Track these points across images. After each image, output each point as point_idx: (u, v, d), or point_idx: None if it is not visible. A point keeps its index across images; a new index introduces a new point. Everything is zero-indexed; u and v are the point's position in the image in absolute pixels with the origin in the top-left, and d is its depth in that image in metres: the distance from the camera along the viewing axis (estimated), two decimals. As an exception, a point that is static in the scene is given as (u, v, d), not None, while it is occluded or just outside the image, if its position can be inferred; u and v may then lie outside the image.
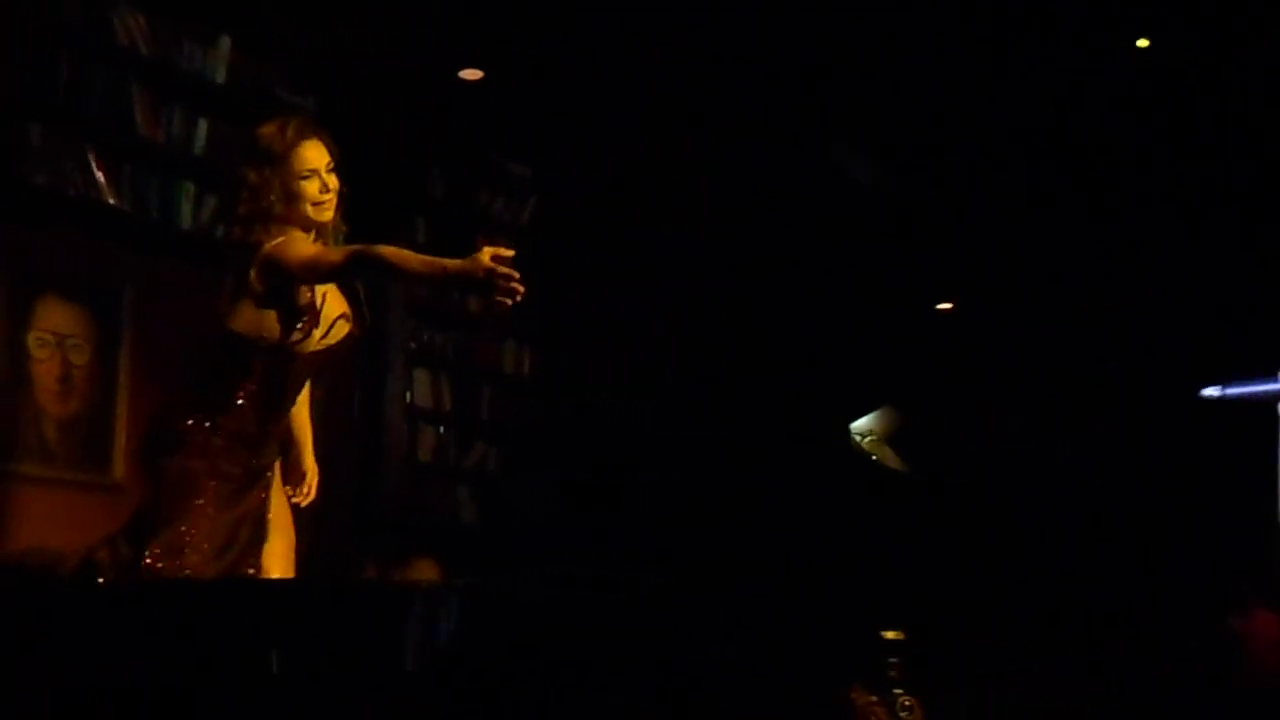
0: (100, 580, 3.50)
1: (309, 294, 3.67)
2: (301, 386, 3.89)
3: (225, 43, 5.60)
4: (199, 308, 4.75)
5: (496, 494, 6.85)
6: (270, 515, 3.77)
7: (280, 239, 3.61)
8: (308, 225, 3.70)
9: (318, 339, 3.70)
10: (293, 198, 3.67)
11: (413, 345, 6.57)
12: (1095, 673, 6.88)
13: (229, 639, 3.14)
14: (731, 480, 7.20)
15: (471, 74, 6.44)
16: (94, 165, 5.14)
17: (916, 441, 8.14)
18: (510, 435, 6.98)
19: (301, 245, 3.63)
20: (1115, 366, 7.60)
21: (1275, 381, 2.70)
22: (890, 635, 4.89)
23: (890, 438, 8.46)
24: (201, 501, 3.56)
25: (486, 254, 3.44)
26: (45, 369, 5.07)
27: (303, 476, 3.97)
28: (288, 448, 3.97)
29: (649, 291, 7.34)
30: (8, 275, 4.97)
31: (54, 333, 5.10)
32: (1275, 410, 2.71)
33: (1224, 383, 2.76)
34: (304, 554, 4.00)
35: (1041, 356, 7.51)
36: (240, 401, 3.66)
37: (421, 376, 6.60)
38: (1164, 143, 6.95)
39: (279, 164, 3.68)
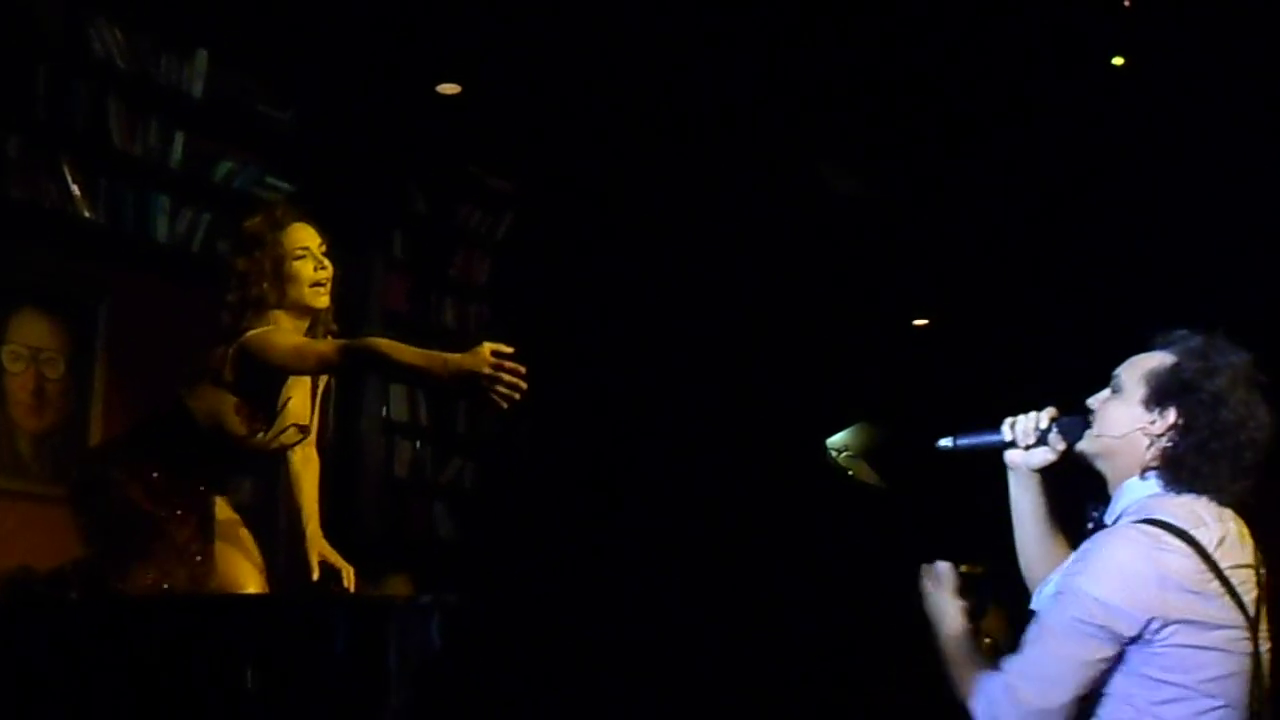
0: (73, 596, 3.49)
1: (282, 393, 3.64)
2: (243, 472, 3.86)
3: (202, 56, 5.58)
4: (174, 321, 4.74)
5: (473, 509, 6.83)
6: (218, 517, 3.75)
7: (264, 328, 3.54)
8: (303, 311, 3.65)
9: (267, 439, 3.67)
10: (286, 280, 3.61)
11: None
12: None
13: (204, 655, 3.13)
14: (713, 496, 7.21)
15: (449, 88, 6.43)
16: (70, 178, 5.12)
17: (893, 457, 8.17)
18: (487, 450, 6.97)
19: (286, 335, 3.56)
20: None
21: (998, 434, 2.77)
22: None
23: (867, 453, 8.49)
24: (149, 535, 3.54)
25: (487, 350, 3.33)
26: (19, 383, 5.05)
27: (335, 572, 3.83)
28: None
29: (628, 307, 7.34)
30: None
31: (28, 346, 5.08)
32: (1003, 460, 2.79)
33: (955, 434, 2.81)
34: (284, 570, 4.00)
35: (1022, 371, 7.52)
36: (177, 467, 3.62)
37: (398, 391, 6.58)
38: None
39: (269, 246, 3.63)
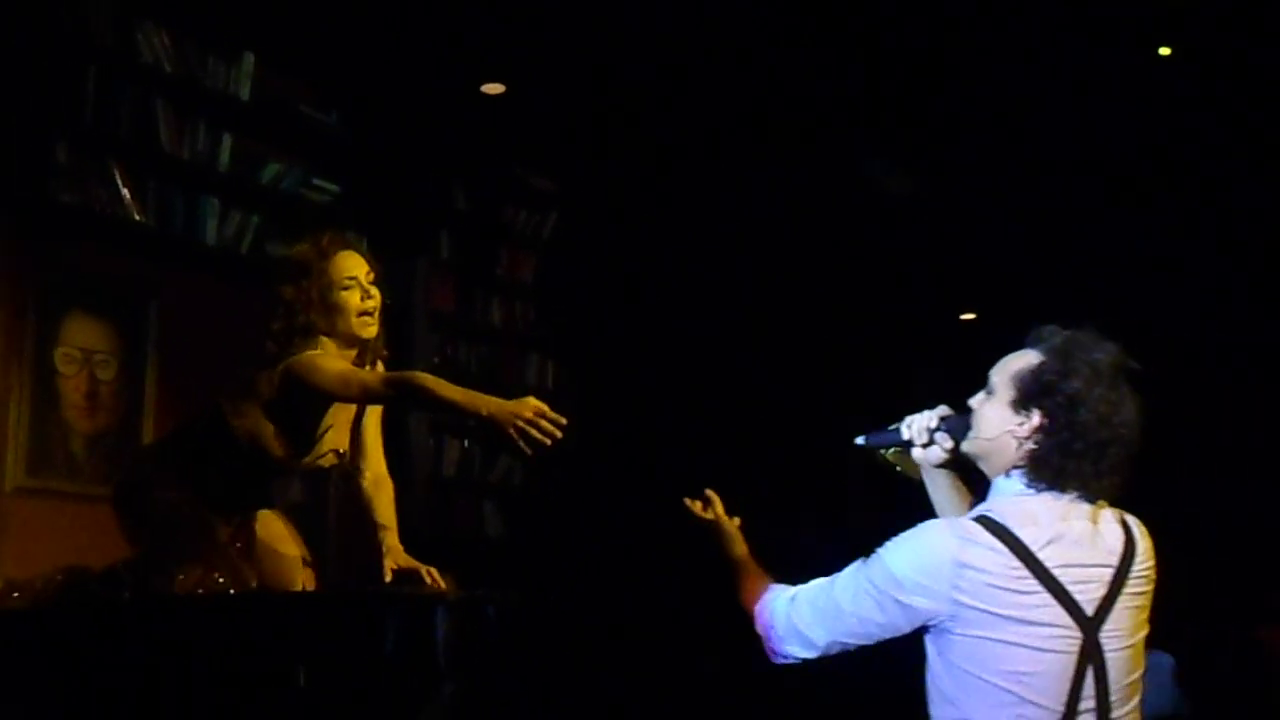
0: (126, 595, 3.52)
1: (324, 418, 3.63)
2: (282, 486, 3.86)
3: (249, 59, 5.62)
4: (224, 322, 4.78)
5: (522, 508, 6.85)
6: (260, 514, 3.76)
7: (310, 352, 3.53)
8: (350, 341, 3.63)
9: (302, 461, 3.65)
10: (333, 310, 3.59)
11: (436, 360, 6.58)
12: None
13: (256, 653, 3.15)
14: (757, 489, 7.19)
15: (494, 88, 6.45)
16: (119, 181, 5.17)
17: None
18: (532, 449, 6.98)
19: (333, 360, 3.54)
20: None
21: (897, 432, 2.82)
22: None
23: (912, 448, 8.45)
24: (190, 535, 3.56)
25: (532, 402, 3.32)
26: (72, 385, 5.09)
27: (413, 573, 3.77)
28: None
29: (672, 305, 7.34)
30: (35, 292, 5.00)
31: (81, 349, 5.13)
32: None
33: (868, 433, 2.89)
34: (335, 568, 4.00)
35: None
36: (215, 475, 3.62)
37: (447, 391, 6.59)
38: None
39: (316, 276, 3.60)
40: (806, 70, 6.30)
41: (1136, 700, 2.58)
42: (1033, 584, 2.47)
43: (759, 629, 2.75)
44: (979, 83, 6.39)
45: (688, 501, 3.11)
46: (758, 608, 2.76)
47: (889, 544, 2.60)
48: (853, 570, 2.63)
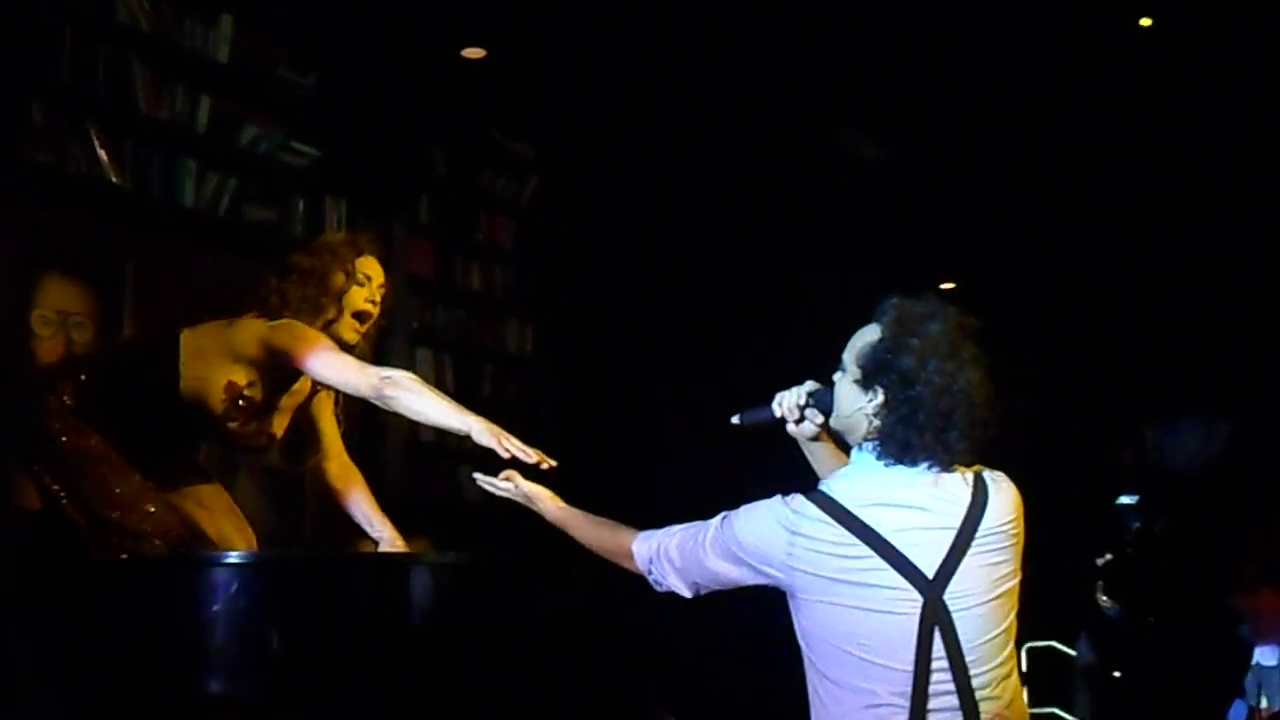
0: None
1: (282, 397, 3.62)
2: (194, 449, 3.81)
3: (227, 21, 5.59)
4: (201, 285, 4.77)
5: (498, 474, 6.83)
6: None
7: (305, 326, 3.55)
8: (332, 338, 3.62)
9: (239, 428, 3.64)
10: (336, 298, 3.66)
11: (415, 325, 6.58)
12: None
13: (228, 614, 3.14)
14: (738, 455, 7.21)
15: (474, 53, 6.43)
16: (96, 143, 5.14)
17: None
18: (512, 414, 6.99)
19: (324, 337, 3.55)
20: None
21: (769, 409, 2.90)
22: None
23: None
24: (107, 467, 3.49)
25: (503, 440, 3.38)
26: (48, 347, 5.07)
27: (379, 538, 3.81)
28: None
29: (651, 270, 7.34)
30: (11, 253, 4.97)
31: (57, 310, 5.11)
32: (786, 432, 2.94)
33: (742, 412, 2.98)
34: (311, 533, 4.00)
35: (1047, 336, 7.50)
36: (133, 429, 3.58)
37: (424, 356, 6.60)
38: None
39: (341, 260, 3.69)
40: (784, 38, 6.29)
41: (1002, 658, 2.62)
42: (863, 549, 2.55)
43: (638, 568, 2.90)
44: (957, 48, 6.39)
45: (479, 478, 3.31)
46: (633, 549, 2.90)
47: (741, 509, 2.75)
48: (715, 525, 2.77)
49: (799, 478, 2.81)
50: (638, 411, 7.29)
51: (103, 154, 5.16)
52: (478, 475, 3.18)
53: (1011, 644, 2.66)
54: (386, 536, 3.79)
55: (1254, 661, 5.60)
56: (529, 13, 6.01)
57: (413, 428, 6.54)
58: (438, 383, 6.63)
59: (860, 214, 7.68)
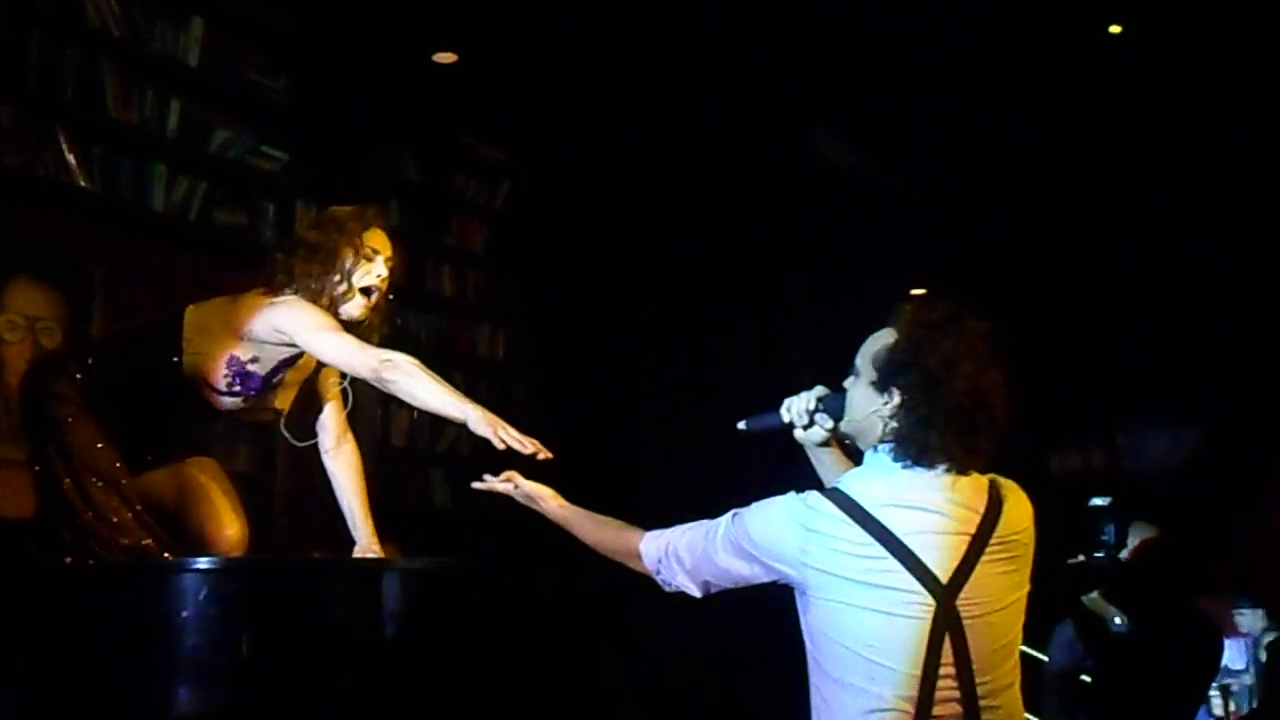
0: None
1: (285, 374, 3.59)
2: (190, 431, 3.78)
3: (197, 24, 5.57)
4: (171, 289, 4.74)
5: (469, 478, 6.83)
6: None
7: (311, 304, 3.51)
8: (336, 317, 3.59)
9: (240, 406, 3.61)
10: (344, 274, 3.59)
11: (387, 329, 6.54)
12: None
13: (199, 618, 3.13)
14: (713, 461, 7.22)
15: (445, 57, 6.43)
16: (65, 146, 5.10)
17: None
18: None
19: (330, 320, 3.52)
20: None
21: (776, 415, 2.91)
22: None
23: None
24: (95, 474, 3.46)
25: (501, 433, 3.31)
26: (16, 351, 5.04)
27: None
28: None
29: (623, 274, 7.34)
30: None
31: (25, 315, 5.07)
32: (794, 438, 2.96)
33: (749, 418, 2.99)
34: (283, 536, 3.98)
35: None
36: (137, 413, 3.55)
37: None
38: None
39: (348, 235, 3.61)
40: (757, 41, 6.30)
41: (1007, 667, 2.62)
42: (879, 550, 2.54)
43: (646, 568, 2.87)
44: (930, 54, 6.41)
45: (484, 480, 3.28)
46: (641, 549, 2.88)
47: (753, 506, 2.74)
48: (726, 522, 2.75)
49: (777, 484, 2.80)
50: (610, 416, 7.28)
51: (71, 158, 5.12)
52: (484, 478, 3.13)
53: (1016, 655, 2.65)
54: (363, 541, 3.75)
55: (1222, 664, 5.63)
56: (500, 17, 6.02)
57: (384, 432, 6.54)
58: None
59: (832, 220, 7.70)
